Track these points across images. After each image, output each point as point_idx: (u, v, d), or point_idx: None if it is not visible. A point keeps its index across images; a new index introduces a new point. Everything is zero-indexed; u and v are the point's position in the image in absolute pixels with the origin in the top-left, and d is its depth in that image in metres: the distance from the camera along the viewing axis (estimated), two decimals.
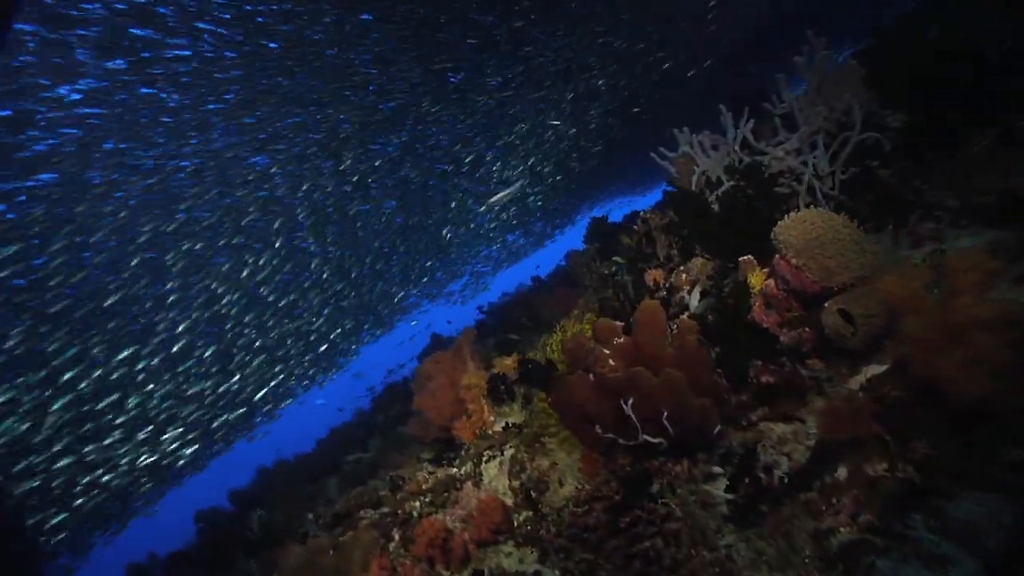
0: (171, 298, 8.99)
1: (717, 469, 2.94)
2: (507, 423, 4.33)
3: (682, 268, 3.97)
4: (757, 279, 3.19)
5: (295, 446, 10.37)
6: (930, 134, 3.98)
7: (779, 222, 3.05)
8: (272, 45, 7.48)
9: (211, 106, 7.74)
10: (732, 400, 3.08)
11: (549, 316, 6.50)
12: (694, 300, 3.62)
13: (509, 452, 4.02)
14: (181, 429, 9.44)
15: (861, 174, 3.79)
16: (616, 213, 11.04)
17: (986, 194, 3.24)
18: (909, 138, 3.99)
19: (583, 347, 3.15)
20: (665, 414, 2.76)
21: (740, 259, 3.36)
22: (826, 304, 2.89)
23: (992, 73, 4.13)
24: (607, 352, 3.10)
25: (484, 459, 4.14)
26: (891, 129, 4.03)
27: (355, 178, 10.43)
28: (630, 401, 2.80)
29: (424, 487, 4.19)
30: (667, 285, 3.91)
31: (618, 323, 3.91)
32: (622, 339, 3.13)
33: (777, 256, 3.00)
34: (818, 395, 3.02)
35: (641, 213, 4.67)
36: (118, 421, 8.61)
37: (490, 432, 4.40)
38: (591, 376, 3.01)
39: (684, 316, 3.67)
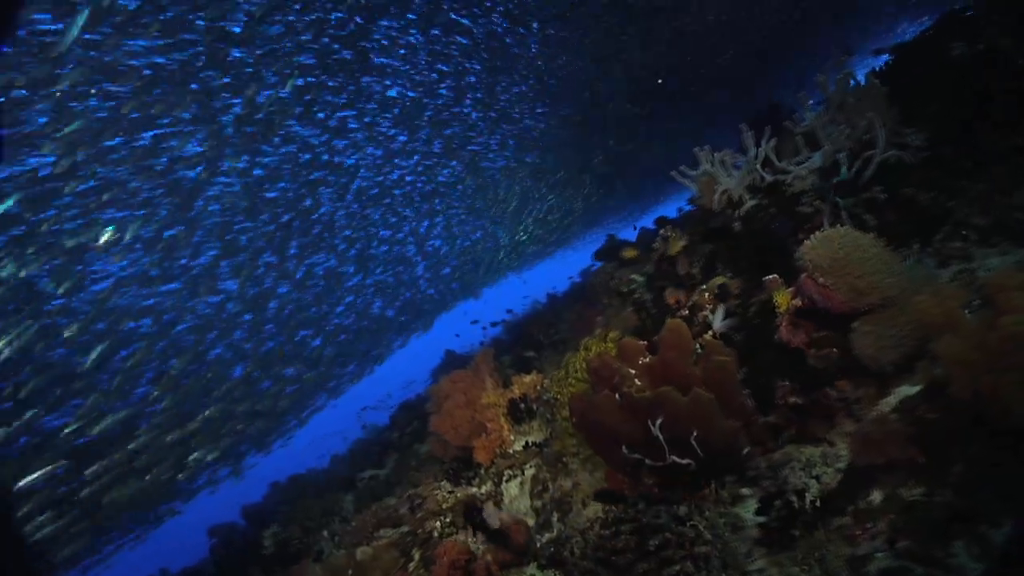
0: None
1: (746, 491, 2.90)
2: (527, 442, 4.31)
3: (704, 287, 3.95)
4: (783, 298, 3.16)
5: (311, 461, 10.41)
6: (955, 151, 3.97)
7: (805, 241, 3.03)
8: None
9: None
10: (760, 421, 3.05)
11: (566, 333, 6.49)
12: (718, 319, 3.59)
13: (530, 472, 3.99)
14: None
15: (885, 192, 3.77)
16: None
17: (1017, 211, 3.22)
18: (933, 155, 3.98)
19: (608, 366, 3.14)
20: (694, 435, 2.73)
21: (766, 278, 3.34)
22: (855, 324, 2.87)
23: (1017, 90, 4.11)
24: (633, 372, 3.08)
25: (505, 478, 4.11)
26: (914, 147, 4.01)
27: None
28: (658, 421, 2.77)
29: (444, 506, 4.16)
30: (689, 304, 3.89)
31: (643, 342, 3.91)
32: (648, 358, 3.11)
33: (804, 275, 2.97)
34: (848, 417, 2.99)
35: (661, 231, 4.67)
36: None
37: (510, 451, 4.37)
38: (617, 396, 2.99)
39: (708, 335, 3.65)
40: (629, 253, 5.63)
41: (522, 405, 4.56)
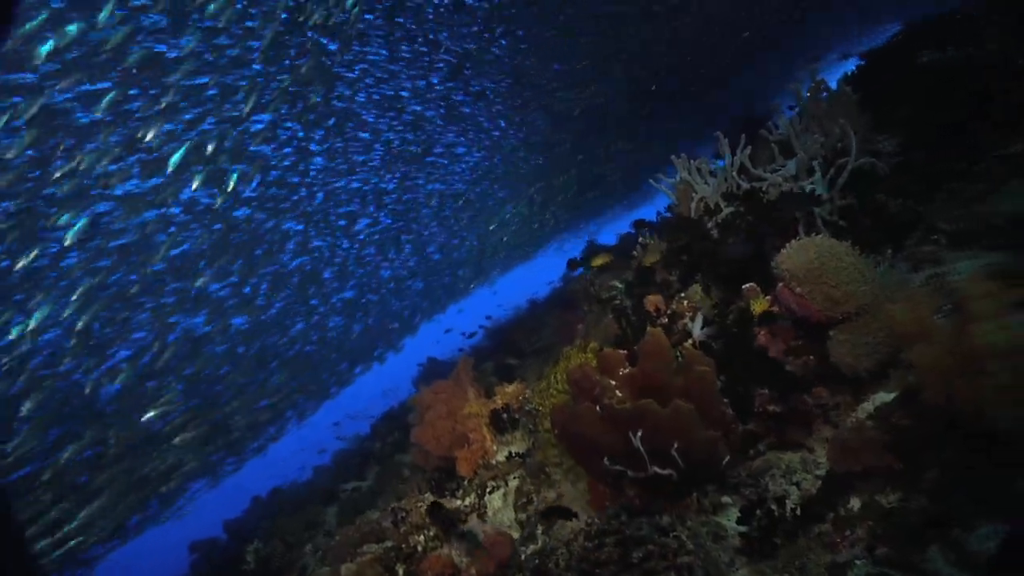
0: None
1: (728, 500, 2.92)
2: (511, 452, 4.30)
3: (683, 295, 3.98)
4: (760, 306, 3.20)
5: (292, 472, 10.28)
6: (925, 157, 4.05)
7: (781, 250, 3.06)
8: None
9: None
10: (740, 429, 3.08)
11: (549, 339, 6.49)
12: (697, 327, 3.62)
13: (514, 483, 3.98)
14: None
15: (858, 199, 3.83)
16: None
17: (984, 218, 3.28)
18: (905, 161, 4.05)
19: (589, 378, 3.14)
20: (675, 446, 2.74)
21: (743, 287, 3.37)
22: (831, 332, 2.90)
23: (984, 96, 4.21)
24: (613, 383, 3.08)
25: (488, 490, 4.10)
26: (886, 153, 4.08)
27: None
28: (639, 433, 2.78)
29: (428, 520, 4.13)
30: (669, 312, 3.91)
31: (622, 351, 3.91)
32: (628, 369, 3.12)
33: (780, 284, 3.01)
34: (825, 423, 3.02)
35: (640, 239, 4.69)
36: None
37: (493, 462, 4.36)
38: (598, 407, 2.99)
39: (687, 343, 3.67)
40: (599, 261, 5.65)
41: (504, 415, 4.54)
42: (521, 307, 10.78)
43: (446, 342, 12.81)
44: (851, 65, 5.97)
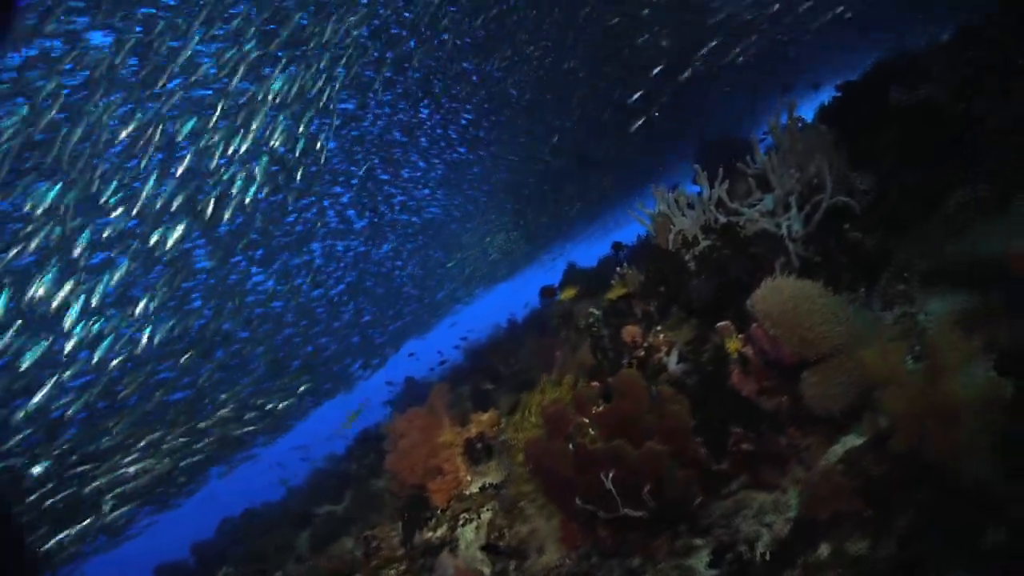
0: None
1: (699, 542, 2.90)
2: (485, 483, 4.25)
3: (659, 328, 3.97)
4: (734, 345, 3.20)
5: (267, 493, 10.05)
6: (898, 195, 4.10)
7: (755, 290, 3.07)
8: None
9: None
10: (713, 468, 3.06)
11: (527, 361, 6.45)
12: (672, 362, 3.61)
13: (487, 515, 3.92)
14: None
15: (833, 236, 3.87)
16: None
17: (951, 260, 3.32)
18: (879, 197, 4.10)
19: (563, 415, 3.12)
20: (647, 488, 2.72)
21: (718, 324, 3.37)
22: (804, 374, 2.91)
23: (957, 133, 4.28)
24: (587, 420, 3.06)
25: (461, 522, 4.04)
26: (860, 191, 4.13)
27: None
28: (611, 475, 2.75)
29: (399, 553, 4.06)
30: (645, 345, 3.90)
31: (596, 383, 3.89)
32: (601, 407, 3.10)
33: (755, 324, 3.01)
34: (798, 464, 3.02)
35: (618, 268, 4.70)
36: None
37: (467, 492, 4.30)
38: (571, 446, 2.97)
39: (662, 376, 3.66)
40: (568, 294, 5.66)
41: (479, 444, 4.50)
42: (500, 325, 10.76)
43: (425, 360, 12.69)
44: (824, 95, 6.06)
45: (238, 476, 12.31)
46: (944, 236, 3.64)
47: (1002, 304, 2.79)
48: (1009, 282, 2.73)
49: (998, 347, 2.57)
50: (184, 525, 10.24)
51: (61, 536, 7.56)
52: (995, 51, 4.71)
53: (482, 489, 4.20)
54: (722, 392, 3.22)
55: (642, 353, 3.93)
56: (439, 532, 4.12)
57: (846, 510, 2.49)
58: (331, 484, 7.99)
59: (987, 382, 2.09)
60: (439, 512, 4.36)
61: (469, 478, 4.43)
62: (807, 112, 5.57)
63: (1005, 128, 3.95)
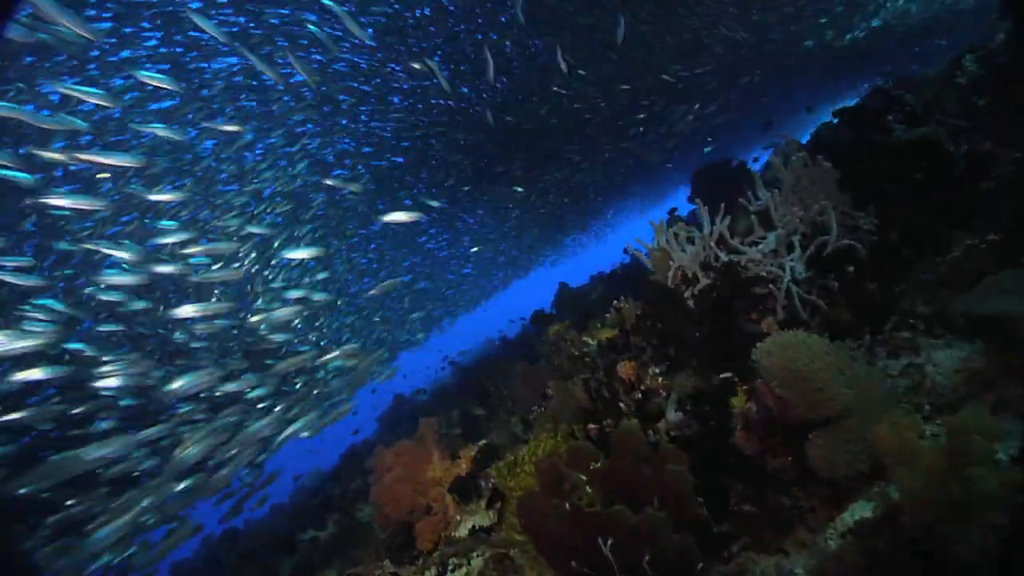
0: None
1: None
2: (475, 525, 4.11)
3: (656, 370, 3.85)
4: (738, 400, 3.08)
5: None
6: (902, 237, 4.01)
7: (760, 343, 2.95)
8: None
9: None
10: (714, 530, 2.94)
11: (517, 392, 6.31)
12: (671, 410, 3.49)
13: (477, 563, 3.78)
14: None
15: (837, 278, 3.76)
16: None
17: (963, 314, 3.22)
18: (883, 239, 4.01)
19: (557, 471, 2.98)
20: (646, 558, 2.59)
21: (720, 375, 3.26)
22: (811, 436, 2.79)
23: (960, 174, 4.20)
24: (584, 478, 2.93)
25: (450, 568, 3.89)
26: (865, 231, 4.03)
27: None
28: (609, 542, 2.62)
29: None
30: (643, 388, 3.78)
31: (592, 426, 3.77)
32: (599, 464, 2.97)
33: (759, 381, 2.89)
34: (802, 525, 2.91)
35: (615, 302, 4.58)
36: None
37: (456, 535, 4.15)
38: (567, 506, 2.83)
39: (660, 425, 3.54)
40: (556, 329, 5.55)
41: (470, 482, 4.35)
42: (493, 340, 10.63)
43: (412, 378, 12.55)
44: (819, 119, 5.99)
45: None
46: (951, 283, 3.56)
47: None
48: None
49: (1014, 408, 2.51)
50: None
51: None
52: (998, 82, 4.67)
53: (472, 531, 4.06)
54: (724, 446, 3.10)
55: (639, 396, 3.81)
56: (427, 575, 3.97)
57: None
58: (315, 504, 7.81)
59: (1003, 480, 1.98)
60: (427, 555, 4.22)
61: (459, 517, 4.28)
62: (802, 136, 5.50)
63: (1010, 174, 3.89)
